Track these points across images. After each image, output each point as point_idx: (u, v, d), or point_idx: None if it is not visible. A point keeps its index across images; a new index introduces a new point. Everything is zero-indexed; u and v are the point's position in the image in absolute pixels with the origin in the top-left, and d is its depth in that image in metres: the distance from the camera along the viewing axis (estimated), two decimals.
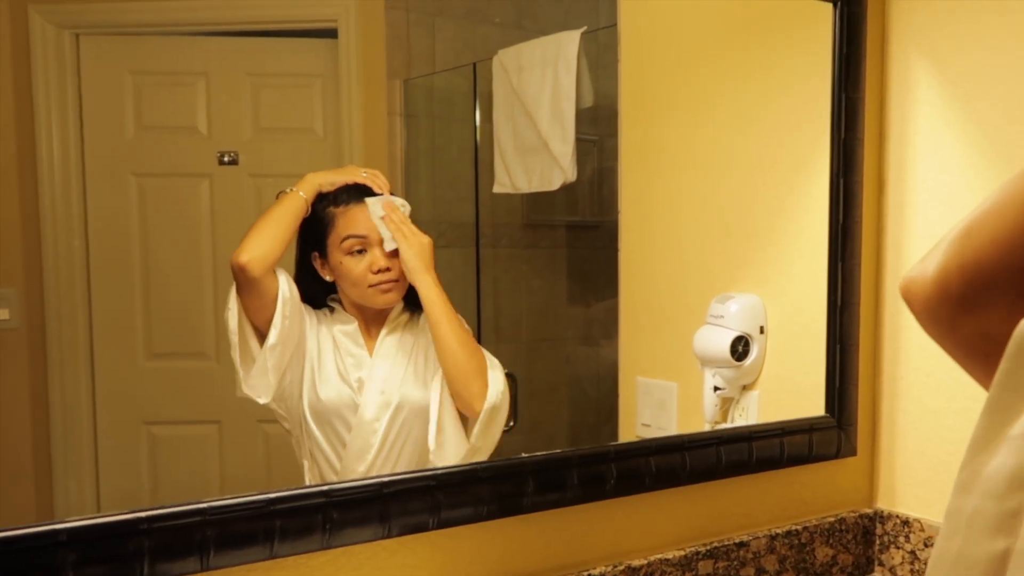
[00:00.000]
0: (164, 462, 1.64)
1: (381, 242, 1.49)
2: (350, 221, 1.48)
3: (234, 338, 1.42)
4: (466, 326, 1.53)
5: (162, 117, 1.71)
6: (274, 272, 1.42)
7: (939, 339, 0.71)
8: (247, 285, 1.41)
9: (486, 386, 1.46)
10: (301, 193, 1.45)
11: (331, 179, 1.49)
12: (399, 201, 1.50)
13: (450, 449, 1.47)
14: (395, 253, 1.48)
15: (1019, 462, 0.54)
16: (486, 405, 1.45)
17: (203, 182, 1.72)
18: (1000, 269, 0.64)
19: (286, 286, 1.43)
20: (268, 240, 1.42)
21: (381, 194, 1.51)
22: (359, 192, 1.50)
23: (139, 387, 1.68)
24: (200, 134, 1.72)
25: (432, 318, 1.48)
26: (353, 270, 1.49)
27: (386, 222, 1.48)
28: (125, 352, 1.67)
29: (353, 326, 1.51)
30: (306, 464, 1.51)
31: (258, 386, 1.43)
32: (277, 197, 1.46)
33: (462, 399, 1.47)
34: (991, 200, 0.66)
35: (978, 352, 0.69)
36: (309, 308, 1.50)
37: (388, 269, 1.48)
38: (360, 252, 1.48)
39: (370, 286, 1.49)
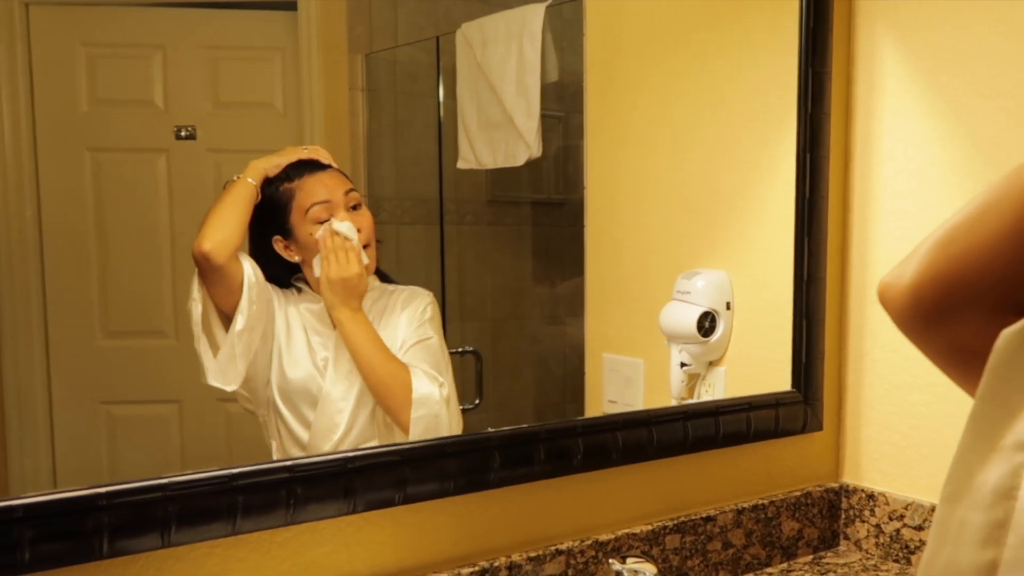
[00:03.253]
0: (123, 442, 1.61)
1: (344, 204, 1.48)
2: (309, 191, 1.47)
3: (197, 328, 1.40)
4: (427, 330, 1.53)
5: (117, 90, 1.68)
6: (237, 257, 1.41)
7: (916, 344, 0.71)
8: (211, 273, 1.38)
9: (408, 415, 1.45)
10: (249, 179, 1.44)
11: (275, 162, 1.47)
12: (342, 227, 1.47)
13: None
14: (358, 208, 1.50)
15: (1004, 473, 0.54)
16: (412, 434, 1.45)
17: (160, 157, 1.69)
18: (975, 281, 0.64)
19: (251, 270, 1.41)
20: (228, 225, 1.40)
21: (329, 165, 1.50)
22: (308, 165, 1.49)
23: (96, 366, 1.65)
24: (156, 108, 1.69)
25: (349, 352, 1.47)
26: None
27: (322, 243, 1.46)
28: (81, 330, 1.64)
29: (320, 305, 1.49)
30: (274, 444, 1.49)
31: (227, 373, 1.41)
32: (224, 186, 1.44)
33: (394, 422, 1.48)
34: (966, 211, 0.65)
35: (955, 361, 0.69)
36: (276, 288, 1.48)
37: (358, 230, 1.47)
38: (329, 220, 1.47)
39: None
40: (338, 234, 1.46)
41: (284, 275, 1.50)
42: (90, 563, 1.06)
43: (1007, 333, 0.55)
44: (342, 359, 1.48)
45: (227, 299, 1.40)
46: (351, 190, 1.50)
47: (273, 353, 1.47)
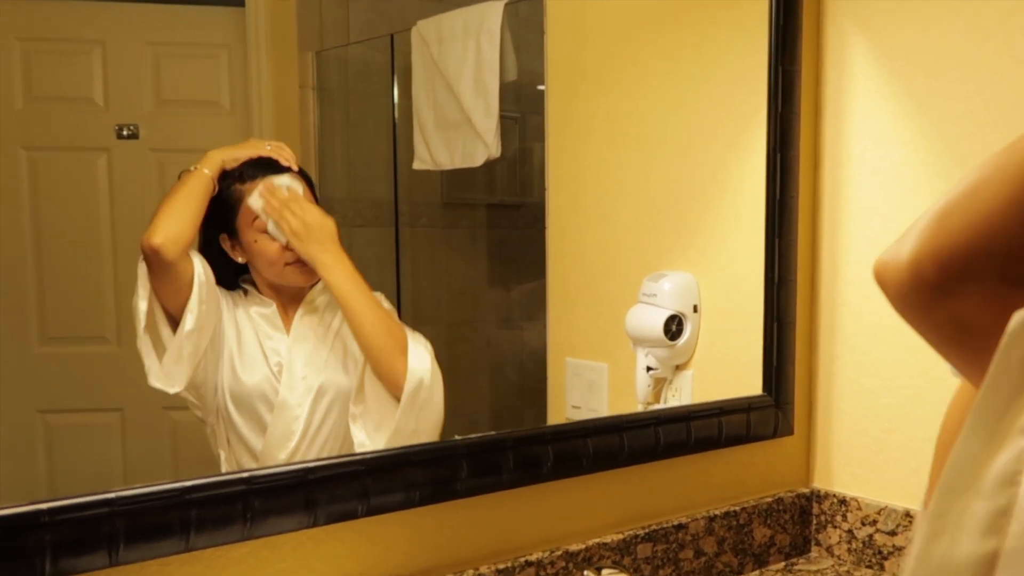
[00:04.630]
0: (62, 452, 1.53)
1: None
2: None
3: (140, 326, 1.33)
4: (385, 304, 1.45)
5: (54, 87, 1.63)
6: (188, 254, 1.34)
7: (912, 323, 0.68)
8: (161, 269, 1.31)
9: (406, 362, 1.38)
10: (206, 171, 1.37)
11: (234, 155, 1.40)
12: (282, 180, 1.40)
13: (380, 431, 1.39)
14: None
15: (1009, 458, 0.51)
16: (409, 382, 1.38)
17: (100, 156, 1.63)
18: (975, 255, 0.61)
19: (201, 269, 1.34)
20: (181, 220, 1.33)
21: (288, 168, 1.42)
22: (265, 166, 1.42)
23: (33, 373, 1.59)
24: (96, 106, 1.64)
25: (339, 298, 1.40)
26: (268, 248, 1.40)
27: (267, 210, 1.39)
28: (16, 336, 1.57)
29: (271, 308, 1.43)
30: (223, 454, 1.41)
31: (172, 375, 1.34)
32: (180, 177, 1.37)
33: (384, 378, 1.40)
34: (966, 182, 0.63)
35: (954, 339, 0.67)
36: (224, 290, 1.41)
37: None
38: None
39: (286, 264, 1.41)
40: (278, 189, 1.38)
41: (231, 276, 1.44)
42: None
43: (1021, 314, 0.52)
44: (296, 363, 1.42)
45: (175, 297, 1.33)
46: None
47: (223, 358, 1.39)
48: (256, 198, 1.38)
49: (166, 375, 1.34)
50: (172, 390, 1.35)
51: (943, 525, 0.53)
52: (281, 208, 1.38)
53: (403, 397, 1.38)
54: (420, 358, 1.40)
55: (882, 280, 0.67)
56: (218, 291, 1.39)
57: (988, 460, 0.52)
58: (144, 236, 1.30)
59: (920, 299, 0.65)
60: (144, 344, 1.33)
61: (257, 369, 1.41)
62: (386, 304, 1.48)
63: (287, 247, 1.39)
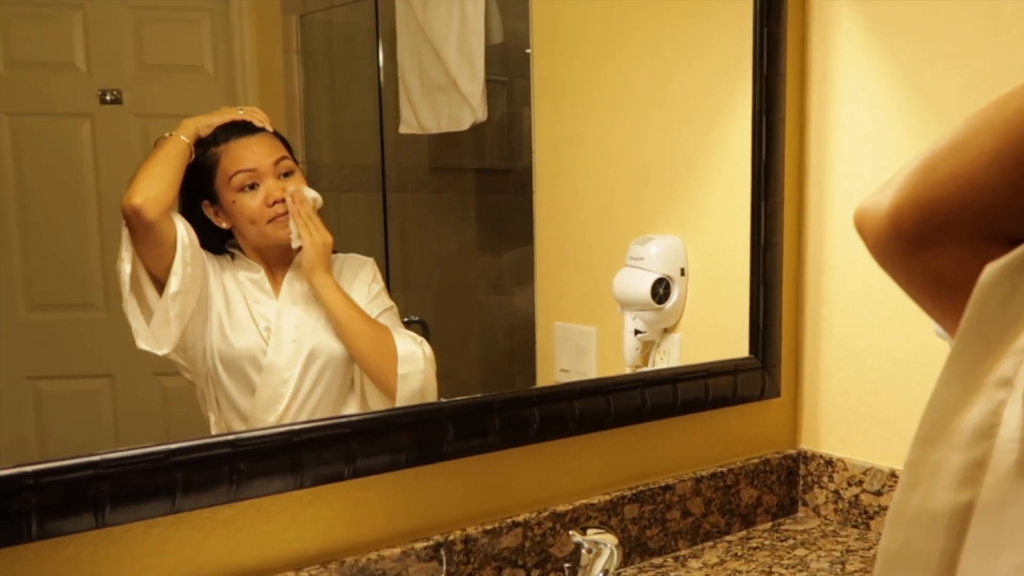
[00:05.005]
0: (51, 419, 1.53)
1: (274, 172, 1.41)
2: (234, 157, 1.40)
3: (126, 290, 1.33)
4: (383, 300, 1.49)
5: (35, 52, 1.60)
6: (170, 216, 1.33)
7: (890, 273, 0.68)
8: (142, 230, 1.31)
9: (395, 377, 1.41)
10: (183, 137, 1.37)
11: (207, 121, 1.40)
12: (311, 194, 1.43)
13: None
14: (289, 176, 1.43)
15: (985, 411, 0.51)
16: (399, 393, 1.41)
17: (84, 122, 1.61)
18: (956, 208, 0.61)
19: (184, 230, 1.34)
20: (160, 181, 1.33)
21: (263, 129, 1.44)
22: (238, 128, 1.42)
23: (21, 340, 1.57)
24: (78, 71, 1.61)
25: (333, 321, 1.43)
26: (248, 207, 1.40)
27: (293, 215, 1.41)
28: (3, 304, 1.55)
29: (260, 273, 1.43)
30: (212, 418, 1.41)
31: (160, 337, 1.34)
32: (155, 144, 1.37)
33: (377, 385, 1.44)
34: (951, 135, 0.62)
35: (929, 291, 0.66)
36: (210, 254, 1.40)
37: (283, 200, 1.40)
38: (252, 187, 1.40)
39: (269, 221, 1.41)
40: (307, 201, 1.41)
41: (216, 242, 1.43)
42: (17, 546, 0.99)
43: (992, 267, 0.52)
44: (285, 327, 1.42)
45: (159, 260, 1.32)
46: (283, 158, 1.43)
47: (211, 321, 1.39)
48: (289, 194, 1.41)
49: (154, 337, 1.34)
50: (161, 352, 1.35)
51: (918, 476, 0.53)
52: (311, 216, 1.41)
53: (398, 394, 1.41)
54: (408, 363, 1.42)
55: (861, 228, 0.67)
56: (204, 254, 1.39)
57: (962, 412, 0.52)
58: (124, 198, 1.29)
59: (897, 250, 0.64)
60: (131, 307, 1.33)
61: (246, 333, 1.41)
62: (379, 282, 1.51)
63: (267, 204, 1.40)
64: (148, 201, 1.29)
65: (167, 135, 1.36)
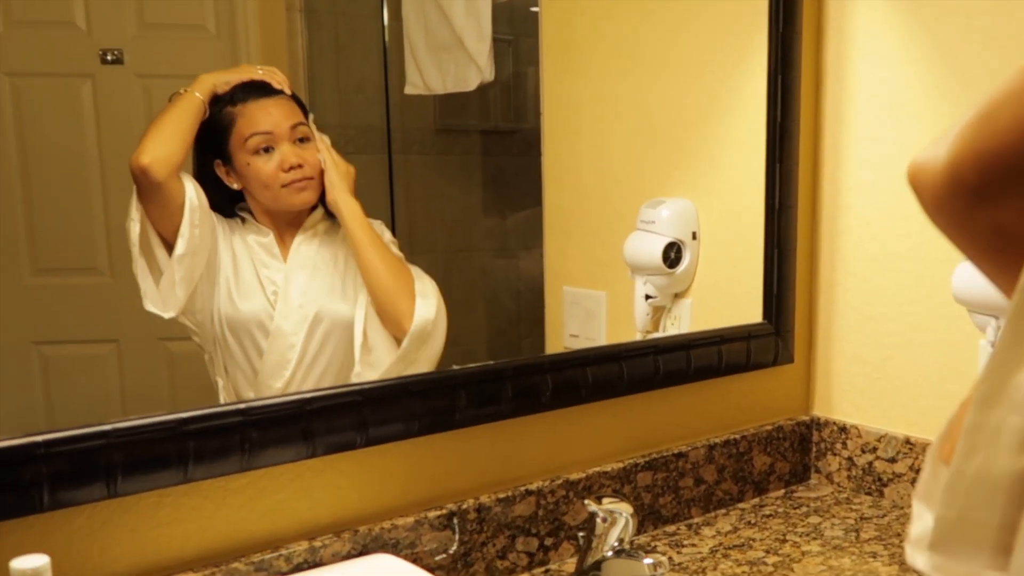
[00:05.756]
0: (58, 384, 1.51)
1: (290, 137, 1.40)
2: (251, 119, 1.38)
3: (135, 249, 1.31)
4: (387, 234, 1.45)
5: (34, 11, 1.57)
6: (179, 176, 1.32)
7: (948, 231, 0.65)
8: (150, 190, 1.29)
9: (413, 304, 1.40)
10: (197, 94, 1.35)
11: (225, 78, 1.38)
12: (325, 139, 1.44)
13: (379, 367, 1.39)
14: (305, 142, 1.42)
15: None
16: (414, 325, 1.39)
17: (85, 82, 1.58)
18: (1021, 158, 0.57)
19: (193, 192, 1.32)
20: (170, 140, 1.31)
21: (281, 91, 1.42)
22: (256, 89, 1.40)
23: (26, 305, 1.55)
24: (79, 30, 1.58)
25: (354, 241, 1.42)
26: (262, 170, 1.39)
27: (322, 149, 1.42)
28: (7, 268, 1.53)
29: (269, 237, 1.42)
30: (220, 383, 1.40)
31: (167, 300, 1.33)
32: (170, 99, 1.35)
33: (389, 319, 1.41)
34: (1013, 80, 0.59)
35: (991, 246, 0.63)
36: (220, 217, 1.39)
37: (300, 166, 1.40)
38: (267, 150, 1.39)
39: (283, 186, 1.39)
40: (324, 138, 1.44)
41: (227, 203, 1.42)
42: (30, 516, 0.98)
43: None
44: (293, 291, 1.41)
45: (167, 221, 1.31)
46: (299, 123, 1.42)
47: (219, 284, 1.38)
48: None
49: (162, 299, 1.33)
50: (167, 315, 1.34)
51: (977, 440, 0.52)
52: (328, 150, 1.42)
53: (410, 334, 1.39)
54: (428, 299, 1.41)
55: (916, 183, 0.64)
56: (213, 217, 1.37)
57: (1020, 370, 0.50)
58: (132, 156, 1.28)
59: (957, 204, 0.61)
60: (140, 267, 1.32)
61: (254, 297, 1.39)
62: (387, 235, 1.48)
63: (283, 168, 1.38)
64: (156, 161, 1.28)
65: (182, 91, 1.34)
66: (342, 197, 1.41)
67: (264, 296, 1.40)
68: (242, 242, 1.40)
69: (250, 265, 1.40)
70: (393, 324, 1.40)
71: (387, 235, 1.49)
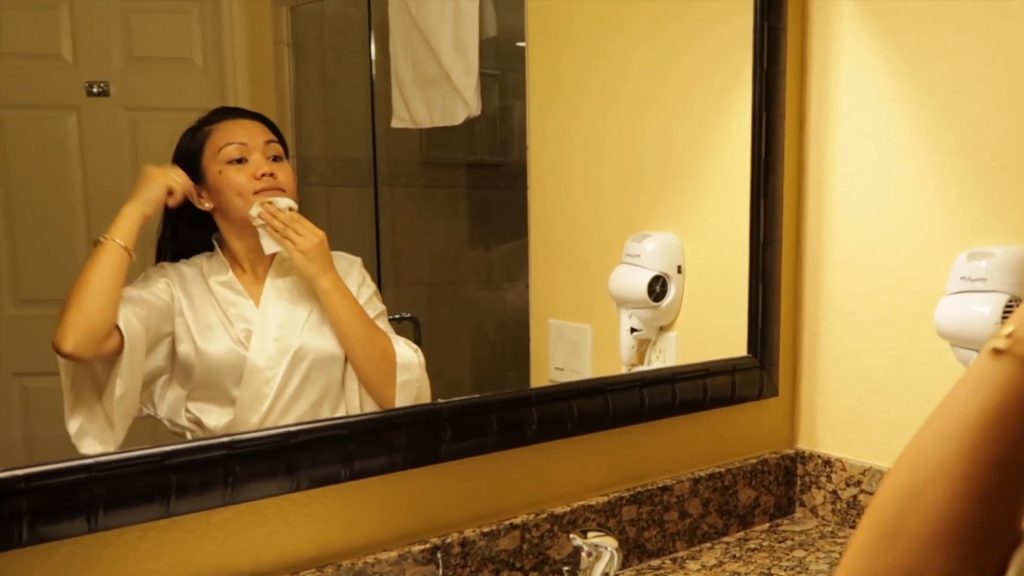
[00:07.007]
0: (39, 416, 1.50)
1: (264, 152, 1.38)
2: (226, 131, 1.38)
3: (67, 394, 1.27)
4: (375, 311, 1.45)
5: (20, 43, 1.57)
6: (111, 332, 1.25)
7: None
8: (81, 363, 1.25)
9: (394, 390, 1.39)
10: (117, 240, 1.26)
11: (148, 201, 1.32)
12: (284, 203, 1.38)
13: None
14: (278, 160, 1.40)
15: None
16: (397, 400, 1.39)
17: (70, 115, 1.58)
18: None
19: (129, 327, 1.26)
20: (92, 312, 1.24)
21: (256, 114, 1.42)
22: (233, 111, 1.42)
23: (7, 336, 1.54)
24: (65, 62, 1.58)
25: (336, 323, 1.39)
26: (234, 179, 1.37)
27: (268, 231, 1.36)
28: None
29: (229, 275, 1.38)
30: (199, 417, 1.38)
31: (105, 440, 1.27)
32: (91, 248, 1.28)
33: (373, 398, 1.41)
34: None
35: None
36: (175, 269, 1.37)
37: (272, 175, 1.37)
38: (240, 161, 1.37)
39: (255, 192, 1.37)
40: (281, 210, 1.36)
41: (195, 241, 1.40)
42: (9, 551, 0.97)
43: None
44: (269, 325, 1.38)
45: (105, 365, 1.27)
46: (272, 141, 1.41)
47: (179, 345, 1.35)
48: (256, 208, 1.36)
49: (99, 441, 1.27)
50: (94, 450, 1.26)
51: None
52: (289, 223, 1.36)
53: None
54: (406, 371, 1.40)
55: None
56: (159, 296, 1.33)
57: None
58: (54, 337, 1.22)
59: None
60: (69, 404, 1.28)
61: (219, 339, 1.36)
62: (368, 280, 1.46)
63: (255, 176, 1.37)
64: (79, 345, 1.23)
65: (102, 239, 1.26)
66: (321, 280, 1.38)
67: (229, 336, 1.38)
68: (202, 288, 1.38)
69: (213, 309, 1.38)
70: (377, 397, 1.40)
71: (370, 284, 1.47)
